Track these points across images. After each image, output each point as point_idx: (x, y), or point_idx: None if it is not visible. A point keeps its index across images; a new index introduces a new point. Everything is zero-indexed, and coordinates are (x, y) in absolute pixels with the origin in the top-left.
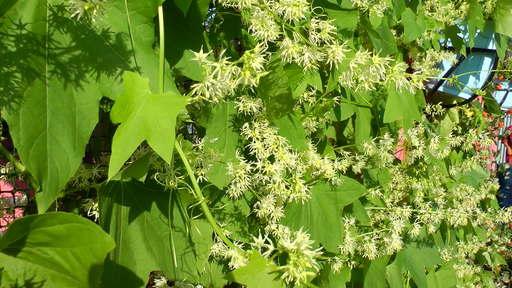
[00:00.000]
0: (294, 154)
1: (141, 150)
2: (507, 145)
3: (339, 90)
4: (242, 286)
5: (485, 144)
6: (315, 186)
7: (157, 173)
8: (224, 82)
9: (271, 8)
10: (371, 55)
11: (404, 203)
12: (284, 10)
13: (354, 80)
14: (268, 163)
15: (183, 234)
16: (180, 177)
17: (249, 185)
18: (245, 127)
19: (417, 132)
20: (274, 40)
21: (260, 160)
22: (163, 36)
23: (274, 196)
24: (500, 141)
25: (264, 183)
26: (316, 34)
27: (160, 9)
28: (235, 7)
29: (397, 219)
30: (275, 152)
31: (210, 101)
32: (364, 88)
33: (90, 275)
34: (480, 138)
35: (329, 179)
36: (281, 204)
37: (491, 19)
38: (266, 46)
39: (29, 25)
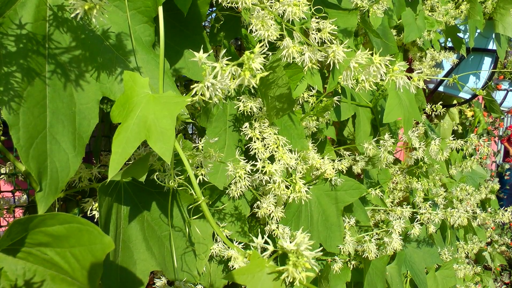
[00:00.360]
0: (294, 154)
1: (141, 150)
2: (507, 145)
3: (339, 90)
4: (242, 286)
5: (485, 151)
6: (315, 186)
7: (157, 173)
8: (224, 82)
9: (271, 8)
10: (372, 54)
11: (404, 203)
12: (284, 10)
13: (355, 80)
14: (268, 163)
15: (183, 234)
16: (180, 177)
17: (249, 185)
18: (245, 127)
19: (417, 132)
20: (275, 40)
21: (260, 160)
22: (163, 36)
23: (274, 196)
24: (499, 141)
25: (264, 183)
26: (317, 33)
27: (160, 9)
28: (235, 7)
29: (397, 219)
30: (275, 152)
31: (210, 101)
32: (365, 87)
33: (90, 275)
34: (480, 145)
35: (329, 179)
36: (281, 204)
37: (491, 19)
38: (266, 46)
39: (29, 25)
